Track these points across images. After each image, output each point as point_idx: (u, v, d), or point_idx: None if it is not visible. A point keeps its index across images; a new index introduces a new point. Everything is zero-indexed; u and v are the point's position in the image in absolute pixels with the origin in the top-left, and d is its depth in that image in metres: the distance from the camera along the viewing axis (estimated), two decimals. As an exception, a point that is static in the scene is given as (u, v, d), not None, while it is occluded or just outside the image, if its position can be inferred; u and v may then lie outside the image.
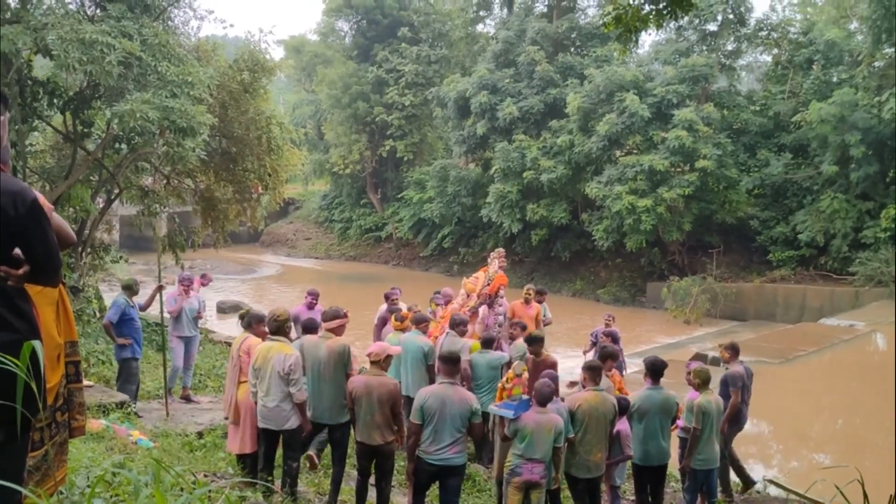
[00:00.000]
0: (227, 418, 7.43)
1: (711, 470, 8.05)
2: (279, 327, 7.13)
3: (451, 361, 6.77)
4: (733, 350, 9.70)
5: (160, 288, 10.48)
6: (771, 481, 9.53)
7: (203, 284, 14.15)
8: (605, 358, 8.45)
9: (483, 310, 11.25)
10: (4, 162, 2.92)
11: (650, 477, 8.01)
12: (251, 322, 7.70)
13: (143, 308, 10.76)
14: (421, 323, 9.67)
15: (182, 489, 3.74)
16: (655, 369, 7.83)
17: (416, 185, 43.50)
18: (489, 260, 11.90)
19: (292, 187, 46.27)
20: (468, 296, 11.30)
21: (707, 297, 27.48)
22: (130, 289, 10.44)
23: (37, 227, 2.76)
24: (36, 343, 2.41)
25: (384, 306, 11.68)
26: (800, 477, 10.87)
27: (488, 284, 11.29)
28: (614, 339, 10.80)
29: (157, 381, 12.03)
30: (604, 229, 30.39)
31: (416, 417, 6.55)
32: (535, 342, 9.11)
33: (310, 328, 7.64)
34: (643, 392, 7.87)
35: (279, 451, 7.23)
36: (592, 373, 7.50)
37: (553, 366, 8.73)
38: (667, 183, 28.64)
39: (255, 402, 7.07)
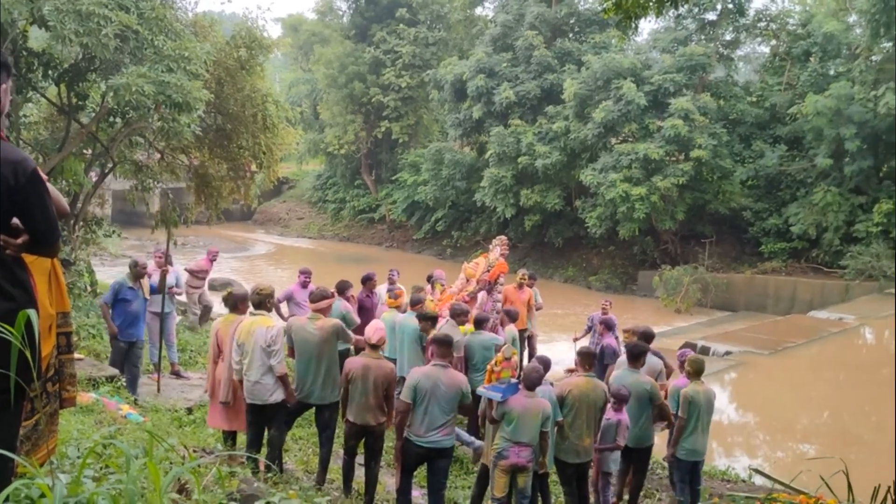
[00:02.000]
0: (223, 400, 7.37)
1: (697, 462, 8.08)
2: (261, 301, 7.13)
3: (444, 344, 6.83)
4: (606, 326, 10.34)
5: (165, 271, 10.47)
6: (756, 470, 9.59)
7: (211, 260, 14.23)
8: (639, 356, 8.13)
9: (482, 295, 11.26)
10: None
11: (634, 458, 8.12)
12: (236, 303, 7.61)
13: (157, 291, 10.62)
14: (417, 304, 9.70)
15: (172, 462, 3.76)
16: (634, 354, 7.99)
17: (410, 168, 43.40)
18: (491, 246, 11.90)
19: (286, 166, 46.11)
20: (467, 280, 11.30)
21: (698, 286, 27.55)
22: (130, 270, 10.32)
23: (37, 198, 2.75)
24: (31, 312, 2.41)
25: (384, 286, 11.66)
26: (785, 467, 10.95)
27: (488, 271, 11.30)
28: (609, 326, 10.78)
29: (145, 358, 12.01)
30: (597, 216, 30.42)
31: (408, 396, 6.58)
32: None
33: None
34: (618, 373, 8.10)
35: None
36: (585, 359, 7.56)
37: (460, 360, 8.78)
38: (661, 172, 28.64)
39: (238, 380, 7.08)
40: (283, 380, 6.96)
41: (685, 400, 7.78)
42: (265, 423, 7.13)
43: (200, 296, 15.13)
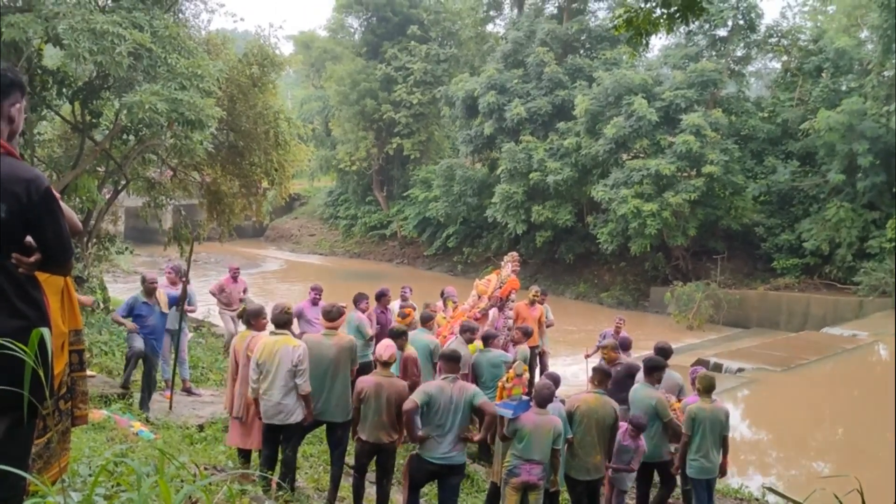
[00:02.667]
0: (237, 415, 7.38)
1: (710, 480, 8.00)
2: (286, 321, 7.13)
3: (452, 360, 6.84)
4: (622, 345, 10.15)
5: (186, 283, 10.44)
6: (769, 489, 9.52)
7: (234, 278, 14.21)
8: (653, 370, 8.23)
9: (493, 312, 11.23)
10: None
11: (649, 474, 8.16)
12: (250, 319, 7.63)
13: (176, 304, 10.52)
14: (427, 321, 9.71)
15: (183, 480, 3.75)
16: (649, 367, 8.09)
17: (421, 184, 43.51)
18: (503, 263, 11.86)
19: (298, 183, 46.35)
20: (479, 297, 11.28)
21: (710, 303, 27.46)
22: (143, 286, 10.25)
23: (50, 216, 2.76)
24: (44, 331, 2.42)
25: (396, 302, 11.66)
26: (799, 486, 10.86)
27: (500, 287, 11.27)
28: (625, 346, 10.69)
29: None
30: (608, 232, 30.38)
31: (417, 397, 6.52)
32: (396, 336, 8.48)
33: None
34: (635, 387, 8.18)
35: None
36: (597, 375, 7.56)
37: (414, 361, 8.70)
38: (673, 188, 28.61)
39: (254, 399, 7.04)
40: (306, 399, 6.93)
41: (688, 417, 7.74)
42: (281, 443, 7.12)
43: (232, 317, 14.35)
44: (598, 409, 7.25)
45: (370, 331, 10.37)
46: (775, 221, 30.99)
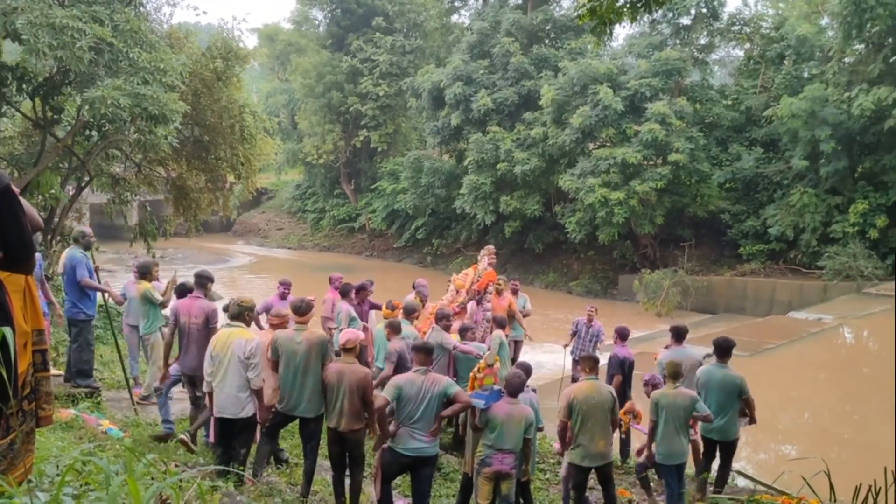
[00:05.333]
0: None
1: (679, 465, 8.07)
2: (240, 313, 7.09)
3: (423, 351, 6.85)
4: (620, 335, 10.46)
5: (174, 281, 10.21)
6: (739, 472, 9.63)
7: (282, 296, 11.02)
8: (728, 350, 8.56)
9: (471, 306, 11.28)
10: None
11: (716, 448, 8.50)
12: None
13: (164, 304, 10.06)
14: (411, 313, 9.75)
15: (153, 478, 3.72)
16: (723, 348, 8.37)
17: (389, 176, 43.43)
18: (479, 257, 11.94)
19: (265, 177, 46.05)
20: (457, 291, 11.32)
21: (678, 289, 27.71)
22: (77, 242, 9.60)
23: (10, 214, 2.72)
24: (6, 330, 2.39)
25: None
26: (768, 468, 11.00)
27: (477, 281, 11.33)
28: (623, 336, 10.73)
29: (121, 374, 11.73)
30: (576, 222, 30.53)
31: (388, 394, 6.58)
32: (395, 330, 9.04)
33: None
34: (708, 368, 8.46)
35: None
36: (586, 362, 7.65)
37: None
38: (639, 176, 28.81)
39: (208, 392, 7.06)
40: (258, 394, 6.91)
41: (653, 402, 7.81)
42: (233, 437, 7.06)
43: None
44: (595, 395, 7.33)
45: (360, 321, 10.43)
46: (741, 208, 31.32)
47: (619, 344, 10.51)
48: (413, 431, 6.58)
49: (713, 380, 8.24)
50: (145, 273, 10.05)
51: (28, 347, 3.09)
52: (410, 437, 6.58)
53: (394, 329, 8.93)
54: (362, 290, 11.54)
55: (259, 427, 7.28)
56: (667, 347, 9.43)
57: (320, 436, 7.42)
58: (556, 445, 8.56)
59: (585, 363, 7.71)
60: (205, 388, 7.08)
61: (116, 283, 12.88)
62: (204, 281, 8.35)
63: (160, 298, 9.95)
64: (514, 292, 13.03)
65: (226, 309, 7.62)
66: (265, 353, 7.11)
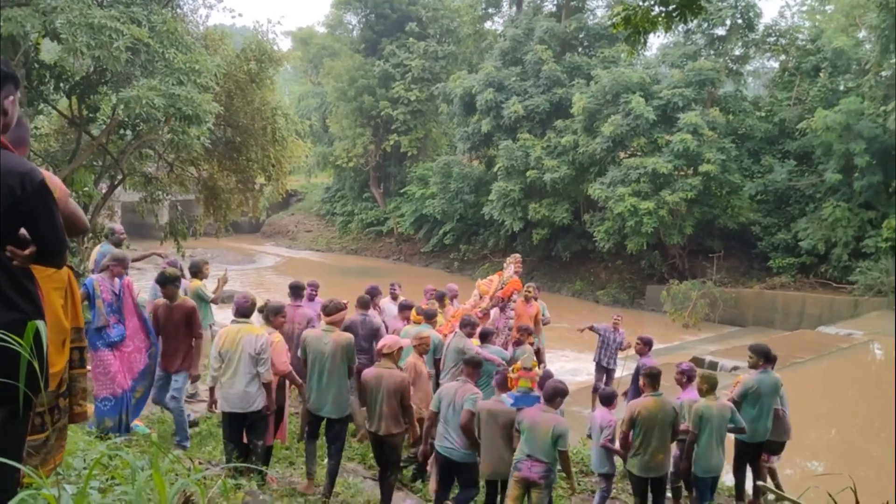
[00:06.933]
0: None
1: (715, 478, 8.05)
2: (249, 311, 7.16)
3: (473, 364, 7.37)
4: (645, 343, 10.60)
5: (225, 280, 10.41)
6: (764, 486, 9.52)
7: (394, 297, 11.67)
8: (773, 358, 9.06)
9: (494, 312, 11.27)
10: (26, 142, 2.95)
11: (755, 452, 8.91)
12: (269, 315, 7.55)
13: (215, 301, 10.36)
14: (432, 318, 9.79)
15: (178, 474, 3.76)
16: (769, 356, 8.77)
17: (418, 181, 43.52)
18: (505, 265, 11.92)
19: (295, 179, 46.29)
20: (481, 297, 11.31)
21: (706, 301, 27.49)
22: (109, 238, 10.05)
23: (43, 209, 2.76)
24: (40, 323, 2.42)
25: (386, 300, 11.69)
26: (793, 484, 10.87)
27: (502, 288, 11.31)
28: (649, 345, 10.73)
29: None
30: (605, 230, 30.41)
31: (433, 406, 7.25)
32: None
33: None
34: (757, 375, 8.66)
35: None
36: (651, 379, 7.64)
37: (191, 311, 8.33)
38: (670, 186, 28.63)
39: (211, 388, 7.25)
40: (267, 387, 7.01)
41: (696, 415, 7.72)
42: (245, 432, 7.13)
43: None
44: (658, 413, 7.42)
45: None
46: (772, 220, 31.01)
47: (645, 354, 10.47)
48: (445, 434, 7.16)
49: (765, 383, 8.56)
50: (196, 271, 10.25)
51: (67, 345, 3.13)
52: (444, 439, 7.16)
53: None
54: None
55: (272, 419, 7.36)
56: (755, 368, 9.04)
57: (345, 437, 7.48)
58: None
59: (650, 380, 7.70)
60: (209, 384, 7.18)
61: (146, 281, 12.97)
62: (299, 291, 9.75)
63: (211, 296, 10.14)
64: (535, 298, 13.02)
65: (261, 310, 7.67)
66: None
